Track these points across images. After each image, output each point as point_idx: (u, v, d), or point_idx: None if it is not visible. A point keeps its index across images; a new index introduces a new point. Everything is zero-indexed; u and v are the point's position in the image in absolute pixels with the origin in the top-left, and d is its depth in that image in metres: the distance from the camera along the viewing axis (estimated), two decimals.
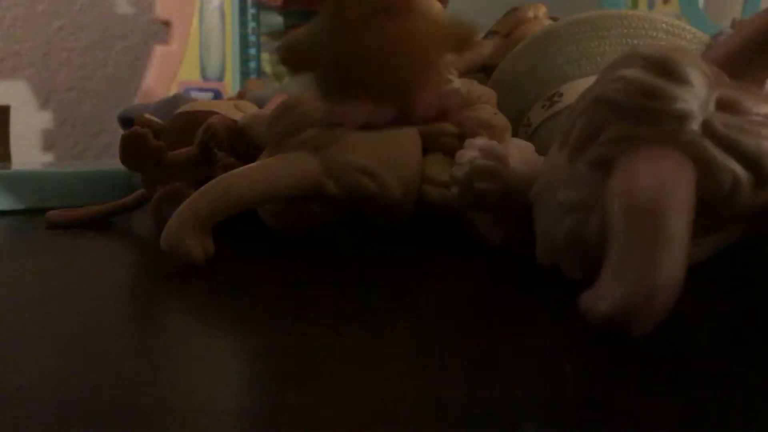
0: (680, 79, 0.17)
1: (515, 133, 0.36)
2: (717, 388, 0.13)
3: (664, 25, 0.33)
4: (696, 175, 0.16)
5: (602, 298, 0.14)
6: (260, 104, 0.51)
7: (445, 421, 0.12)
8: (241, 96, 0.55)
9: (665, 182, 0.15)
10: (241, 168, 0.26)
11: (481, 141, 0.24)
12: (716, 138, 0.16)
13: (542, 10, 0.44)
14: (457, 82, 0.32)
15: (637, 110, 0.17)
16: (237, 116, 0.36)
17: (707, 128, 0.16)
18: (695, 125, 0.16)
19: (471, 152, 0.23)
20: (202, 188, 0.25)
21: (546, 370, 0.14)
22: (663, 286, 0.14)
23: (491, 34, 0.44)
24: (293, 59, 0.19)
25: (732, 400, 0.13)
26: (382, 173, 0.27)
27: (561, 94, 0.33)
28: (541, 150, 0.24)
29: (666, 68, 0.17)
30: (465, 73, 0.26)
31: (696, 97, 0.16)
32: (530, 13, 0.43)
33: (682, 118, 0.16)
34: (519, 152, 0.24)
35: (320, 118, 0.18)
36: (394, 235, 0.30)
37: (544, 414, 0.12)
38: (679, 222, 0.14)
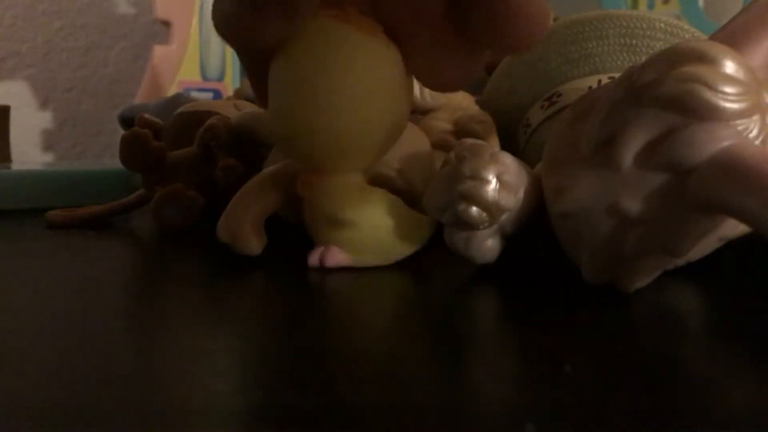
0: (734, 72, 0.16)
1: (515, 133, 0.36)
2: (718, 389, 0.14)
3: (662, 25, 0.33)
4: None
5: None
6: (252, 99, 0.51)
7: (445, 421, 0.12)
8: (237, 96, 0.55)
9: None
10: (288, 162, 0.26)
11: (471, 166, 0.21)
12: None
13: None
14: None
15: (709, 107, 0.16)
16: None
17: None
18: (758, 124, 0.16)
19: (465, 178, 0.21)
20: (253, 181, 0.26)
21: (546, 370, 0.14)
22: None
23: None
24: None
25: (733, 400, 0.13)
26: (406, 169, 0.27)
27: (560, 95, 0.33)
28: (540, 150, 0.24)
29: (718, 61, 0.16)
30: None
31: (752, 88, 0.17)
32: None
33: (751, 111, 0.16)
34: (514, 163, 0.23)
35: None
36: None
37: (545, 414, 0.12)
38: None
